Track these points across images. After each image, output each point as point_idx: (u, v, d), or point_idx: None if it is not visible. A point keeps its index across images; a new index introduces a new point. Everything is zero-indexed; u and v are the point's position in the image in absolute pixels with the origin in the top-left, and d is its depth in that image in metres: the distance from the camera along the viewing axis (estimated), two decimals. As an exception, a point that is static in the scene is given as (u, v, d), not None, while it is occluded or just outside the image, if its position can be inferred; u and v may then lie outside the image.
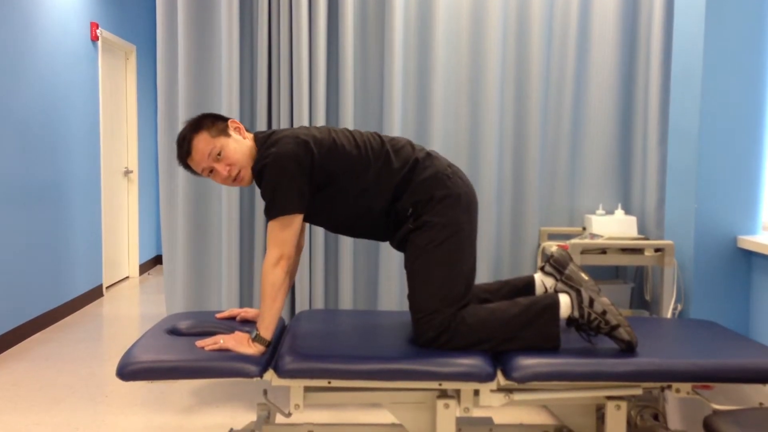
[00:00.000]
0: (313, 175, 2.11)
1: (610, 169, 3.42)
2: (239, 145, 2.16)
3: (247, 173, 2.17)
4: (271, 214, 2.06)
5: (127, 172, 6.42)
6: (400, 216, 2.19)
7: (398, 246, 2.25)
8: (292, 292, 3.32)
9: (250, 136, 2.23)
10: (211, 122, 2.16)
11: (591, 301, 2.08)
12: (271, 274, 2.06)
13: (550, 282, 2.24)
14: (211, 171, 2.17)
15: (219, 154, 2.13)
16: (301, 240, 2.45)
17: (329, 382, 2.01)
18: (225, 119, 2.20)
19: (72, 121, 5.11)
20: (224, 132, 2.16)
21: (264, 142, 2.15)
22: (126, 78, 6.45)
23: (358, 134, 2.22)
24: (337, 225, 2.25)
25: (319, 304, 3.27)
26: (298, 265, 2.56)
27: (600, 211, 3.27)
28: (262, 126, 3.25)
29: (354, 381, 2.01)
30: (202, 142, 2.13)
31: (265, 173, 2.06)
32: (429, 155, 2.22)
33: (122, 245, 6.37)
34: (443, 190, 2.16)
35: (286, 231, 2.07)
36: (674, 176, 3.06)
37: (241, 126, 2.21)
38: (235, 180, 2.17)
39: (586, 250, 3.00)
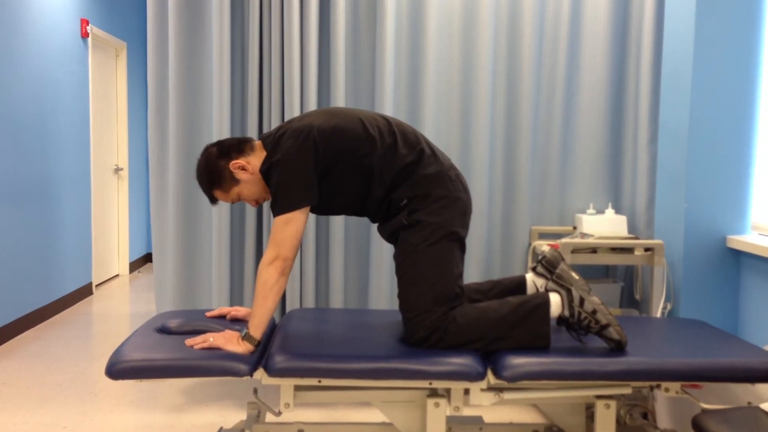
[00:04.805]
0: (317, 161, 2.11)
1: (601, 168, 3.43)
2: (250, 184, 2.21)
3: (268, 194, 2.25)
4: (274, 210, 2.10)
5: (118, 170, 6.39)
6: (393, 205, 2.19)
7: (388, 238, 2.25)
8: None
9: (258, 144, 2.22)
10: (217, 178, 2.19)
11: (581, 301, 2.08)
12: (264, 272, 2.06)
13: (541, 282, 2.25)
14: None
15: (239, 199, 2.26)
16: None
17: (319, 381, 2.01)
18: (226, 164, 2.18)
19: (62, 118, 5.08)
20: (232, 180, 2.19)
21: (270, 143, 2.16)
22: (116, 75, 6.41)
23: (365, 113, 2.20)
24: (337, 206, 2.24)
25: (309, 302, 3.26)
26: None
27: (590, 211, 3.28)
28: (253, 123, 3.24)
29: (344, 380, 2.01)
30: (221, 196, 2.25)
31: (271, 174, 2.11)
32: (434, 153, 2.22)
33: (112, 243, 6.35)
34: (442, 191, 2.15)
35: (287, 228, 2.07)
36: (664, 176, 3.07)
37: (243, 162, 2.18)
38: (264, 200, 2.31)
39: (576, 250, 3.01)
